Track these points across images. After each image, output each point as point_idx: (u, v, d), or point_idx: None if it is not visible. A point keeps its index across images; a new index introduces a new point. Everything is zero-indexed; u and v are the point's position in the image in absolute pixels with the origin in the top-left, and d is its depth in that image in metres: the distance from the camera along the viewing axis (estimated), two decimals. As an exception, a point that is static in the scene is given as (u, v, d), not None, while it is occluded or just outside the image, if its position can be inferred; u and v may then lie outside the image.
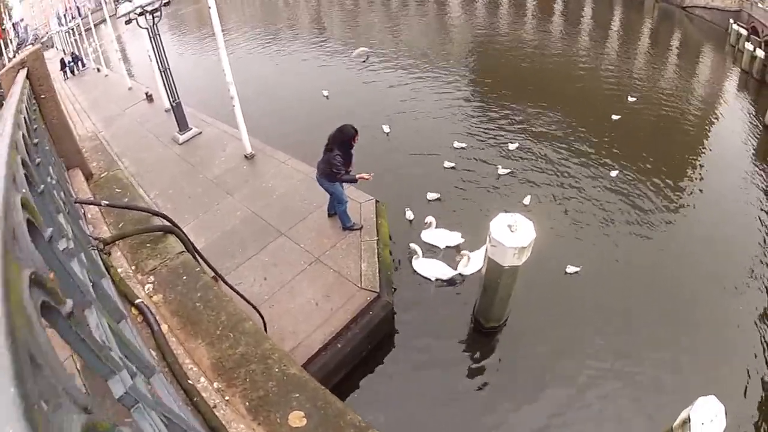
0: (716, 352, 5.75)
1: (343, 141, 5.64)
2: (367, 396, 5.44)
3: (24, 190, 1.36)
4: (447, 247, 7.17)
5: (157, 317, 2.61)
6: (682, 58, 16.07)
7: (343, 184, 6.10)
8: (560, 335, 5.88)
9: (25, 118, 2.14)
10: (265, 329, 4.53)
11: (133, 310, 2.48)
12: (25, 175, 1.55)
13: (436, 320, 6.16)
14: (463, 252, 6.71)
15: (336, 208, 6.30)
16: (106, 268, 2.59)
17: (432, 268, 6.62)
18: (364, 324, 5.39)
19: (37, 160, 1.99)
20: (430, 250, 7.06)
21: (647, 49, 16.99)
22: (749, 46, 14.24)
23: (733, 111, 12.18)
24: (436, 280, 6.59)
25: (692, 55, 16.44)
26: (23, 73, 3.06)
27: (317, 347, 5.07)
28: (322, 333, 5.19)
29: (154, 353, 2.31)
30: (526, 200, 8.09)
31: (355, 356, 5.45)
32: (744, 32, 15.47)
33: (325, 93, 13.77)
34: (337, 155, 5.60)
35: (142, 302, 2.45)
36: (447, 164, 9.25)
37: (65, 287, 1.55)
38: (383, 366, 5.73)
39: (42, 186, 1.67)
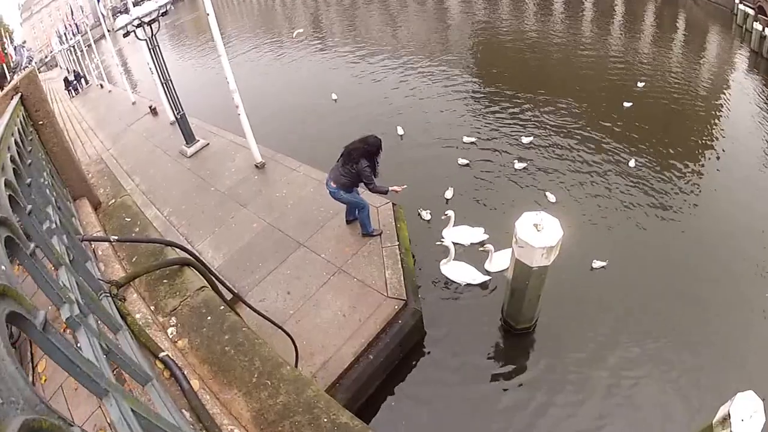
0: (750, 343, 5.34)
1: (370, 152, 5.41)
2: (401, 407, 5.09)
3: (3, 268, 0.99)
4: (471, 243, 6.77)
5: (186, 366, 2.27)
6: (689, 41, 15.33)
7: (359, 189, 5.77)
8: (591, 333, 5.49)
9: (12, 156, 1.77)
10: (296, 353, 4.22)
11: (158, 364, 2.13)
12: (9, 237, 1.18)
13: (465, 324, 5.76)
14: (486, 246, 6.32)
15: (358, 214, 5.92)
16: (122, 316, 2.23)
17: (462, 272, 6.20)
18: (394, 333, 5.05)
19: (29, 207, 1.62)
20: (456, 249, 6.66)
21: (653, 33, 16.23)
22: (758, 26, 13.42)
23: (745, 92, 11.49)
24: (466, 285, 6.19)
25: (699, 38, 15.69)
26: (16, 99, 2.69)
27: (349, 360, 4.76)
28: (352, 345, 4.87)
29: (187, 414, 1.97)
30: (552, 198, 7.54)
31: (388, 366, 5.14)
32: (751, 12, 14.59)
33: (334, 96, 13.15)
34: (367, 167, 5.36)
35: (167, 355, 2.09)
36: (461, 161, 8.83)
37: (74, 375, 1.20)
38: (415, 375, 5.37)
39: (33, 245, 1.31)
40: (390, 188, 5.54)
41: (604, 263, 6.22)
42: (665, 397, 4.87)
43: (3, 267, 0.97)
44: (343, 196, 5.65)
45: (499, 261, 6.23)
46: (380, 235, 6.02)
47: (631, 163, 8.32)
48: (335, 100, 13.02)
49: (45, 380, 2.54)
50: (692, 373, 5.04)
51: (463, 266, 6.23)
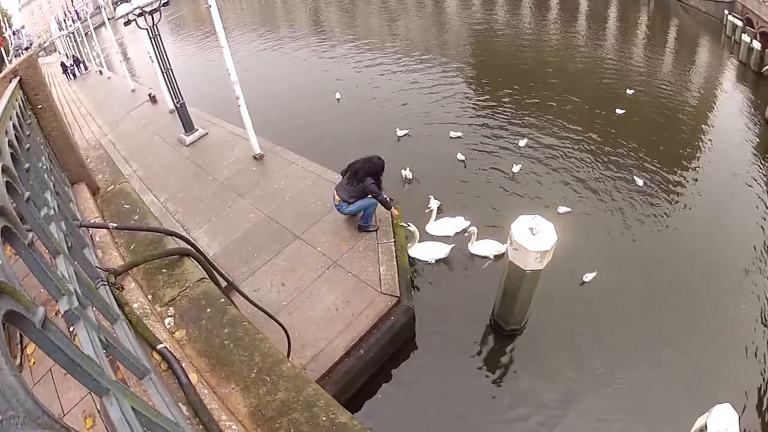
0: (730, 355, 5.35)
1: (375, 171, 5.72)
2: (388, 401, 5.05)
3: (0, 262, 0.89)
4: (456, 233, 6.83)
5: (184, 358, 2.16)
6: (680, 50, 15.38)
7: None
8: (578, 338, 5.47)
9: (10, 140, 1.65)
10: (289, 345, 4.13)
11: (155, 356, 2.02)
12: (5, 227, 1.07)
13: (456, 322, 5.71)
14: (470, 229, 6.41)
15: (366, 211, 5.87)
16: (120, 306, 2.12)
17: (428, 251, 6.35)
18: (386, 329, 4.99)
19: (27, 194, 1.50)
20: (441, 240, 6.69)
21: (644, 41, 16.23)
22: (746, 38, 13.49)
23: (733, 103, 11.54)
24: (436, 261, 6.33)
25: (689, 47, 15.72)
26: (14, 83, 2.54)
27: (340, 354, 4.69)
28: (344, 339, 4.79)
29: (184, 408, 1.87)
30: (561, 209, 7.31)
31: (378, 361, 5.07)
32: (739, 23, 14.70)
33: (338, 96, 12.73)
34: (373, 184, 5.66)
35: (166, 348, 1.98)
36: (460, 156, 8.83)
37: (75, 373, 1.10)
38: (404, 370, 5.31)
39: (31, 236, 1.20)
40: (392, 207, 5.90)
41: (593, 274, 6.11)
42: (645, 405, 4.85)
43: (0, 261, 0.87)
44: (346, 209, 5.77)
45: (482, 245, 6.41)
46: (376, 231, 5.94)
47: (619, 169, 8.34)
48: (338, 99, 12.69)
49: (34, 362, 2.42)
50: (673, 382, 5.03)
51: (428, 245, 6.41)
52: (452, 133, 9.69)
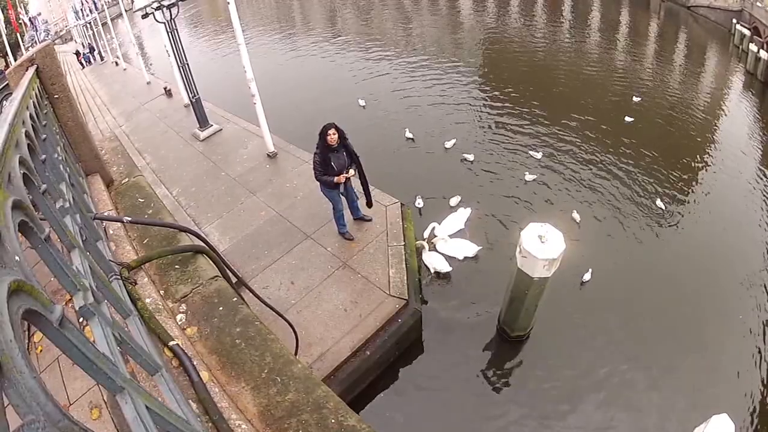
0: (729, 365, 5.30)
1: (321, 139, 4.99)
2: (392, 403, 5.03)
3: (18, 259, 0.86)
4: (466, 223, 7.01)
5: (195, 356, 2.14)
6: (688, 58, 15.20)
7: (334, 192, 5.46)
8: (581, 345, 5.45)
9: (27, 131, 1.64)
10: (297, 343, 4.11)
11: (167, 352, 2.01)
12: (23, 222, 1.05)
13: (462, 327, 5.68)
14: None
15: (333, 209, 5.67)
16: (133, 301, 2.11)
17: (456, 248, 6.41)
18: (393, 331, 4.97)
19: (43, 187, 1.48)
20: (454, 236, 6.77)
21: (653, 48, 16.07)
22: (753, 47, 13.34)
23: (739, 113, 11.35)
24: (464, 258, 6.36)
25: (698, 56, 15.54)
26: (31, 72, 2.54)
27: (346, 354, 4.67)
28: (350, 340, 4.78)
29: (194, 405, 1.85)
30: (577, 217, 7.22)
31: (384, 363, 5.06)
32: (747, 33, 14.51)
33: (362, 102, 12.18)
34: (315, 154, 5.06)
35: (178, 345, 1.96)
36: (467, 157, 8.84)
37: (90, 372, 1.07)
38: (409, 373, 5.29)
39: (48, 230, 1.18)
40: (335, 179, 5.14)
41: (590, 275, 6.15)
42: (644, 414, 4.82)
43: (17, 258, 0.84)
44: (321, 189, 5.45)
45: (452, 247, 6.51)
46: (351, 240, 5.87)
47: (622, 176, 8.28)
48: (364, 106, 12.21)
49: (41, 350, 2.41)
50: (672, 392, 4.99)
51: (456, 242, 6.50)
52: (447, 144, 9.62)
